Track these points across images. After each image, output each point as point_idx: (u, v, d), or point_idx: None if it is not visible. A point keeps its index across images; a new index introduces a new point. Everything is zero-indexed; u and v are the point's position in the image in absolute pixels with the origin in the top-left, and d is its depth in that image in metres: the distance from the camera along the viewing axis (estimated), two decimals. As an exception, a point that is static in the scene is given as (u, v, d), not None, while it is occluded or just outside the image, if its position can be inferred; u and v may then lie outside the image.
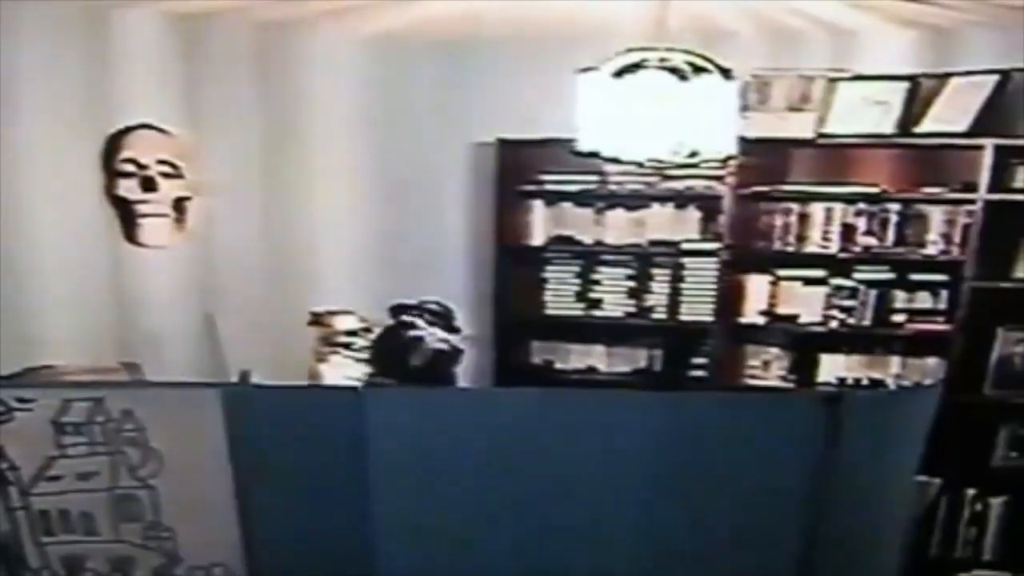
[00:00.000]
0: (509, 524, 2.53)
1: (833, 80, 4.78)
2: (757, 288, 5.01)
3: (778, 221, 4.92)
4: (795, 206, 4.90)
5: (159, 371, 4.16)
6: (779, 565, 2.52)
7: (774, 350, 5.07)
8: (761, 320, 5.03)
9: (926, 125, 4.62)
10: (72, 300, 4.36)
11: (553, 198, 5.25)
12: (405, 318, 4.35)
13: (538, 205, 5.28)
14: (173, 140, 4.62)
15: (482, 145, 5.22)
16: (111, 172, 4.49)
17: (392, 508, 2.53)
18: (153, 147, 4.57)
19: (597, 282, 5.27)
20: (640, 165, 3.89)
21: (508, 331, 5.33)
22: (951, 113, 4.56)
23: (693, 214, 5.09)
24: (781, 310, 5.00)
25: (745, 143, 4.07)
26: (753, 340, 5.11)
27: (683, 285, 5.13)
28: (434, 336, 4.26)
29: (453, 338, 4.35)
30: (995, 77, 4.51)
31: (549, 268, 5.31)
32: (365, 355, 4.57)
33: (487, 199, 5.28)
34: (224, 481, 2.52)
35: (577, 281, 5.29)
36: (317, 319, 4.60)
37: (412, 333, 4.31)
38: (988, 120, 4.48)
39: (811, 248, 4.90)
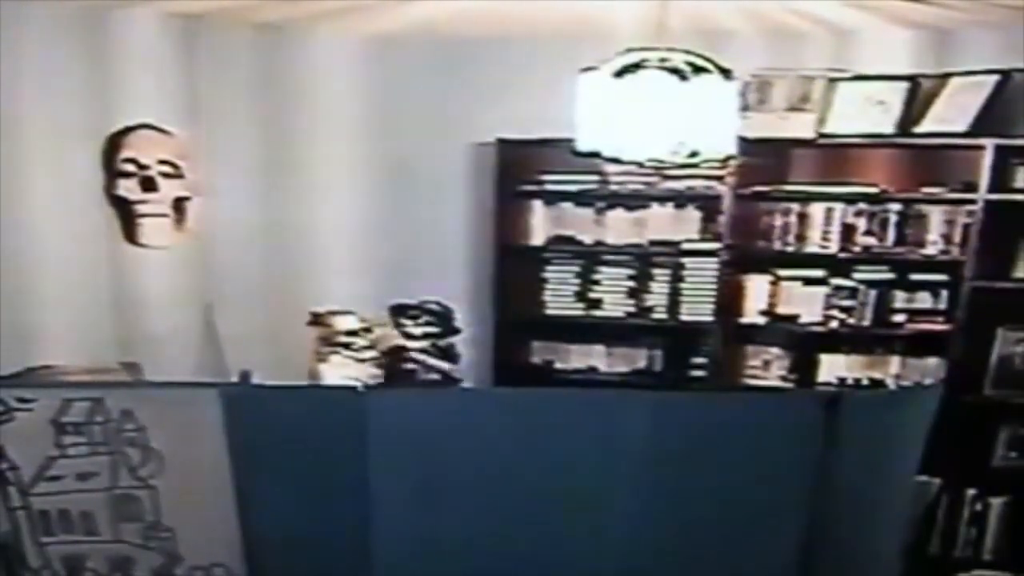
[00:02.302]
0: (508, 523, 2.53)
1: (833, 80, 4.78)
2: (757, 288, 5.01)
3: (778, 221, 4.92)
4: (795, 206, 4.89)
5: (159, 371, 4.16)
6: (779, 564, 2.52)
7: (774, 350, 5.07)
8: (761, 320, 5.02)
9: (926, 125, 4.62)
10: (72, 300, 4.36)
11: (553, 198, 5.25)
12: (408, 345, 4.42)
13: (538, 205, 5.27)
14: (173, 140, 4.62)
15: (482, 145, 5.22)
16: (111, 172, 4.49)
17: (392, 507, 2.53)
18: (153, 147, 4.57)
19: (597, 282, 5.26)
20: (640, 165, 3.89)
21: (508, 331, 5.33)
22: (951, 113, 4.55)
23: (693, 214, 5.09)
24: (781, 310, 4.99)
25: (745, 143, 4.07)
26: (753, 340, 5.10)
27: (683, 285, 5.13)
28: (430, 367, 4.33)
29: (449, 368, 4.41)
30: (995, 77, 4.50)
31: (549, 268, 5.31)
32: (364, 355, 4.58)
33: (487, 199, 5.27)
34: (224, 481, 2.53)
35: (577, 281, 5.28)
36: (317, 319, 4.60)
37: (407, 366, 4.38)
38: (988, 120, 4.48)
39: (811, 248, 4.89)
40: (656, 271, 5.17)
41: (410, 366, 4.49)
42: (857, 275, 4.85)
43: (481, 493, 2.52)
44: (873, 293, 4.82)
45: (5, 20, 4.01)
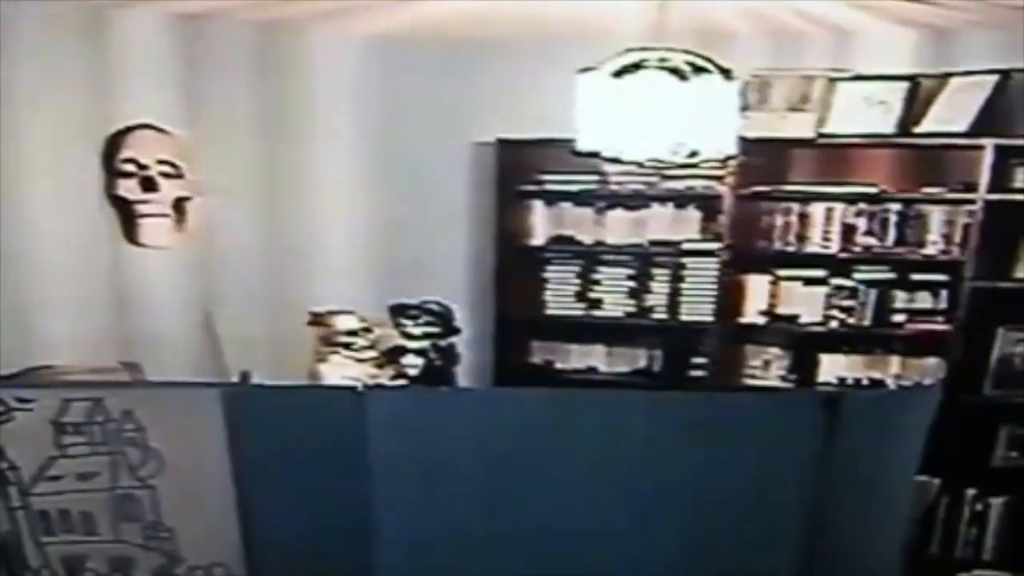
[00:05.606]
0: (509, 524, 2.53)
1: (833, 80, 4.78)
2: (757, 288, 5.01)
3: (778, 221, 4.92)
4: (795, 206, 4.90)
5: (159, 371, 4.16)
6: (779, 565, 2.52)
7: (774, 350, 5.07)
8: (761, 320, 5.02)
9: (926, 125, 4.62)
10: (72, 300, 4.36)
11: (553, 198, 5.25)
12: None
13: (538, 205, 5.28)
14: (173, 140, 4.62)
15: (482, 145, 5.22)
16: (111, 172, 4.49)
17: (392, 508, 2.53)
18: (153, 147, 4.56)
19: (597, 282, 5.27)
20: (640, 165, 3.88)
21: (508, 331, 5.33)
22: (951, 113, 4.55)
23: (693, 214, 5.09)
24: (781, 310, 5.00)
25: (745, 143, 4.07)
26: (753, 340, 5.10)
27: (683, 285, 5.13)
28: None
29: None
30: (995, 77, 4.51)
31: (549, 268, 5.31)
32: (364, 355, 4.58)
33: (487, 199, 5.28)
34: (224, 481, 2.53)
35: (577, 281, 5.29)
36: (317, 319, 4.60)
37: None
38: (988, 120, 4.48)
39: (811, 248, 4.90)
40: (656, 271, 5.17)
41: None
42: (857, 275, 4.85)
43: (481, 493, 2.52)
44: (873, 293, 4.83)
45: (5, 20, 4.01)
